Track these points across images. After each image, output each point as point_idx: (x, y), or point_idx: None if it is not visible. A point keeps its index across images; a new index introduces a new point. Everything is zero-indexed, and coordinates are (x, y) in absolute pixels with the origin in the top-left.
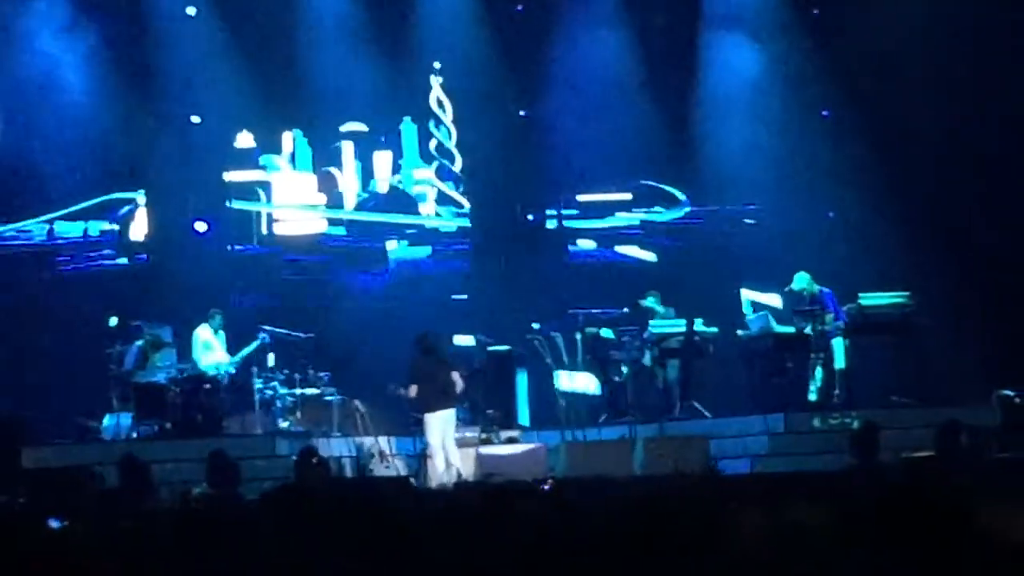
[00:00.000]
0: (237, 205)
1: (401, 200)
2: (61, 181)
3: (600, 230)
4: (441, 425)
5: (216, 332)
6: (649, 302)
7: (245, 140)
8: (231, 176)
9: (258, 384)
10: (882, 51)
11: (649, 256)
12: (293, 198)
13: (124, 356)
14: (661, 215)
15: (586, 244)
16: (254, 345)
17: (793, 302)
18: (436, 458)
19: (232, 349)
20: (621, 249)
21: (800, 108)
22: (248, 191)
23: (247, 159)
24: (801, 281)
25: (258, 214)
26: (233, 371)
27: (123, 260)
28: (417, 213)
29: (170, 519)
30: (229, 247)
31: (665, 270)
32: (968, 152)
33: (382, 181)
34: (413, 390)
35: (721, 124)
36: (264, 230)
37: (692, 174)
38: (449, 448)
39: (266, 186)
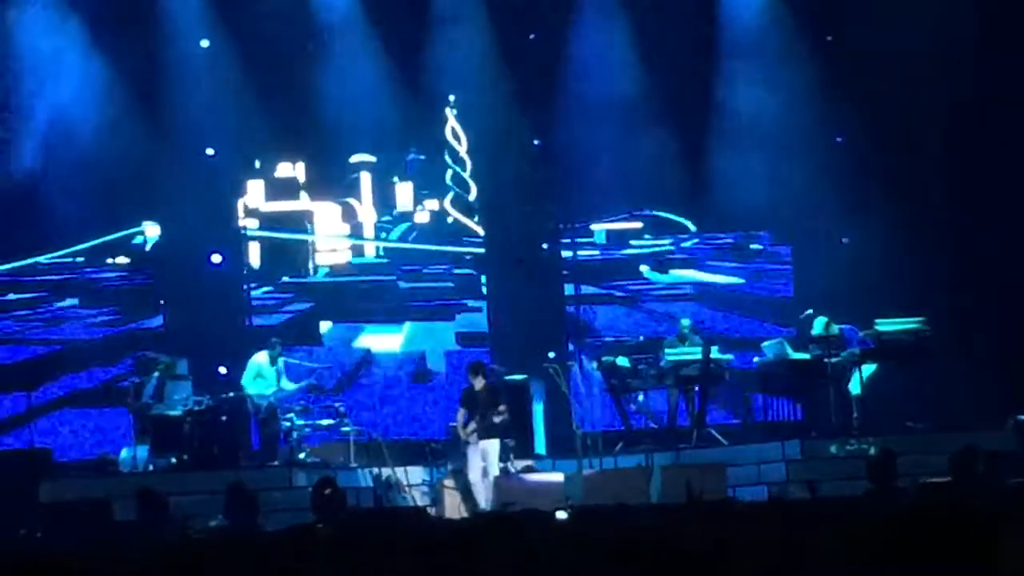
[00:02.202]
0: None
1: (444, 230)
2: (75, 216)
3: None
4: (495, 453)
5: (273, 362)
6: (685, 324)
7: (285, 170)
8: (272, 206)
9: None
10: (896, 77)
11: (719, 279)
12: (333, 228)
13: (142, 389)
14: (668, 245)
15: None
16: (303, 384)
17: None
18: (478, 486)
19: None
20: (689, 273)
21: (814, 135)
22: (292, 221)
23: (287, 189)
24: (819, 326)
25: (309, 244)
26: (275, 403)
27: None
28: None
29: (191, 552)
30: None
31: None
32: (983, 178)
33: (421, 212)
34: (505, 409)
35: (735, 152)
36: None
37: (705, 203)
38: (493, 478)
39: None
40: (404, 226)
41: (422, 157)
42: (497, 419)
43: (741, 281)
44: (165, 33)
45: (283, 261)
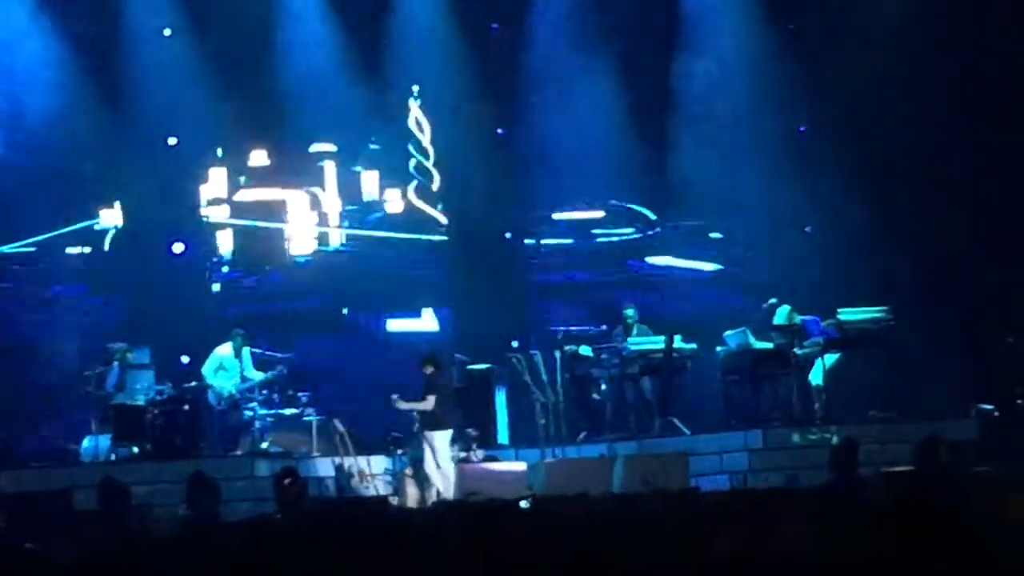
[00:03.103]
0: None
1: (416, 219)
2: (36, 206)
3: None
4: (443, 443)
5: (237, 353)
6: (630, 314)
7: (259, 158)
8: (245, 195)
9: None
10: (859, 66)
11: (710, 267)
12: (303, 217)
13: (103, 378)
14: (631, 234)
15: (658, 260)
16: (268, 375)
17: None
18: (434, 476)
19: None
20: (683, 263)
21: (777, 124)
22: (267, 210)
23: (263, 177)
24: (781, 316)
25: (282, 232)
26: (237, 395)
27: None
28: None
29: (152, 541)
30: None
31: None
32: (946, 168)
33: (392, 202)
34: (431, 402)
35: (697, 141)
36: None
37: (667, 192)
38: (447, 467)
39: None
40: (376, 215)
41: (377, 147)
42: (404, 406)
43: (720, 267)
44: (127, 21)
45: (258, 249)
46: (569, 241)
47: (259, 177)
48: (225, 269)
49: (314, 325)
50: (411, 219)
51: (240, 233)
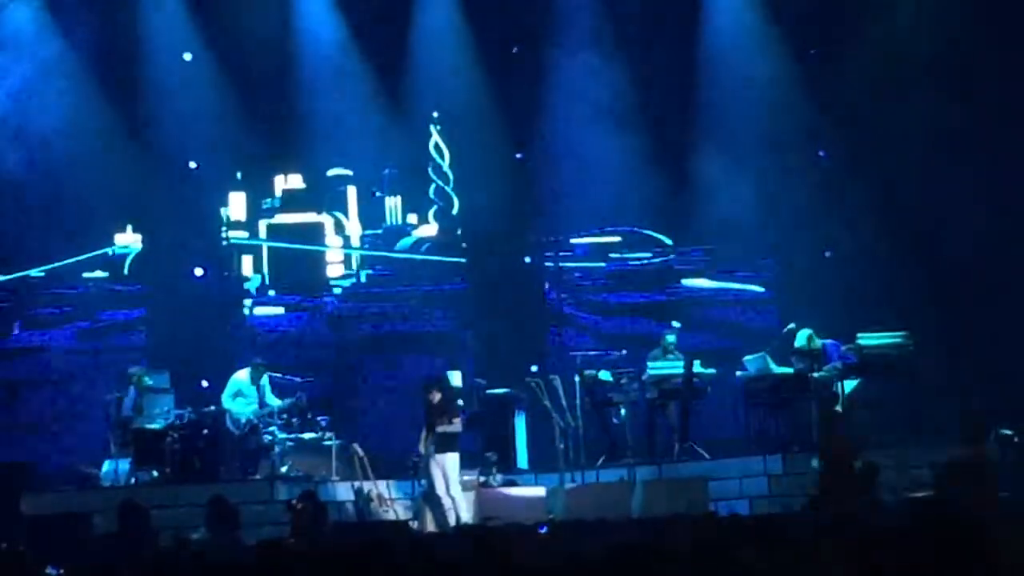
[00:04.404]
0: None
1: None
2: (58, 230)
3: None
4: (455, 466)
5: (255, 382)
6: (670, 340)
7: (294, 181)
8: (282, 219)
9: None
10: (879, 91)
11: (759, 288)
12: (333, 241)
13: (122, 402)
14: (648, 260)
15: (698, 282)
16: (287, 402)
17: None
18: (445, 500)
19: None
20: (726, 284)
21: (797, 149)
22: (301, 233)
23: (297, 202)
24: (801, 339)
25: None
26: (255, 420)
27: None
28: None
29: (170, 565)
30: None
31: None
32: (968, 192)
33: (424, 226)
34: (459, 424)
35: (718, 167)
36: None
37: (685, 218)
38: (457, 491)
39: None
40: (410, 240)
41: (395, 171)
42: (440, 429)
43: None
44: (147, 46)
45: (295, 273)
46: (591, 264)
47: (285, 201)
48: (252, 289)
49: (330, 363)
50: (444, 243)
51: (274, 256)
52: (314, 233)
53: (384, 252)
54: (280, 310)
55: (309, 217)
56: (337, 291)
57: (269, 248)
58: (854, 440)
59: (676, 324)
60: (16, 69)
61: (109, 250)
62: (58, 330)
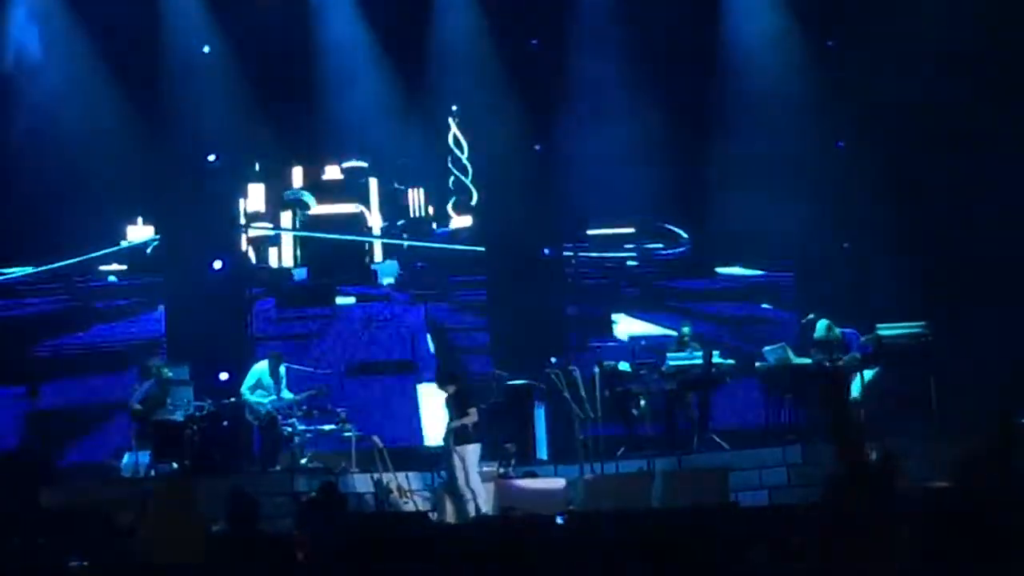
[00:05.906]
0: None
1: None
2: (76, 223)
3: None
4: (475, 457)
5: (272, 372)
6: (686, 331)
7: (332, 172)
8: (319, 209)
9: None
10: (896, 81)
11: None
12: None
13: (142, 394)
14: (661, 251)
15: (732, 270)
16: (305, 394)
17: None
18: (465, 491)
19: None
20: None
21: (815, 139)
22: (339, 223)
23: (333, 192)
24: (820, 329)
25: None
26: (273, 411)
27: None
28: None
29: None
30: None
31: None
32: (986, 181)
33: (457, 217)
34: (475, 414)
35: (736, 158)
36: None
37: (703, 209)
38: (476, 482)
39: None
40: (444, 230)
41: (410, 161)
42: (456, 423)
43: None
44: (165, 38)
45: (335, 260)
46: (609, 254)
47: (323, 191)
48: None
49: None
50: (476, 233)
51: (310, 246)
52: (355, 223)
53: (426, 243)
54: (351, 300)
55: (348, 208)
56: (388, 281)
57: (308, 239)
58: (866, 428)
59: (692, 317)
60: (35, 62)
61: (124, 243)
62: (79, 323)
